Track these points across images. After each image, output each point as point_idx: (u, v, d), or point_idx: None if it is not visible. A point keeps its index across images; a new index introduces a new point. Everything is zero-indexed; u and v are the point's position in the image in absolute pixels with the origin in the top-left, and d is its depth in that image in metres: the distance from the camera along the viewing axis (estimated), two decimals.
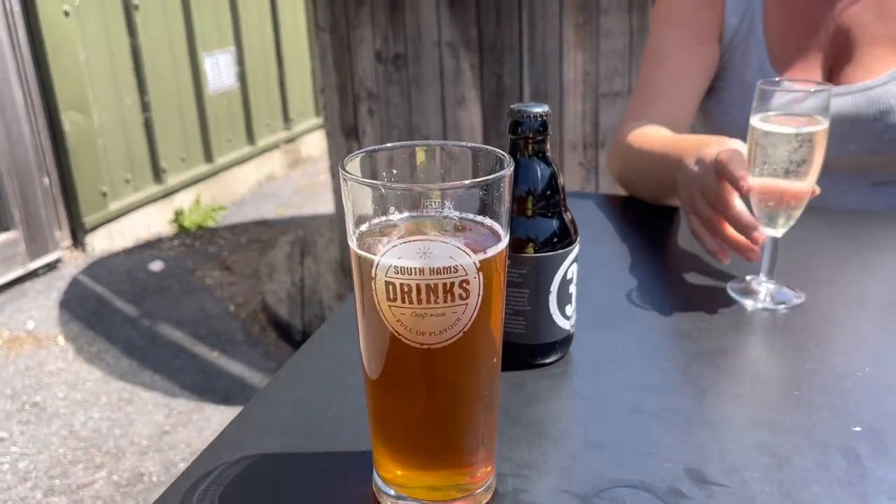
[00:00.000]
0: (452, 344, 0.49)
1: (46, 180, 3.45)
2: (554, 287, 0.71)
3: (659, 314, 0.84)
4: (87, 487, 2.10)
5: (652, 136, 1.12)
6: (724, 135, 1.21)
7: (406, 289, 0.47)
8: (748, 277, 0.90)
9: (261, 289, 3.27)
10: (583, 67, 2.46)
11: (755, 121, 0.82)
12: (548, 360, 0.74)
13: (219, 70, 4.38)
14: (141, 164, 3.93)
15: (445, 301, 0.48)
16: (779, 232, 0.86)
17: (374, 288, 0.49)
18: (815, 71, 1.16)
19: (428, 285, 0.47)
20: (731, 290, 0.89)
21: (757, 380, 0.73)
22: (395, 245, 0.47)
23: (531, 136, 0.68)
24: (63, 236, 3.58)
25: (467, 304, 0.48)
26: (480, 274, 0.48)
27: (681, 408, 0.67)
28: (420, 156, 0.53)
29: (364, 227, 0.50)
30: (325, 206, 4.20)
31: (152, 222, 3.97)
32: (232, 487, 0.58)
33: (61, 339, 2.87)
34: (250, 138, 4.73)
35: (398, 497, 0.55)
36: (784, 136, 0.79)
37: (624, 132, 1.18)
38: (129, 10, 3.73)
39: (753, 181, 0.83)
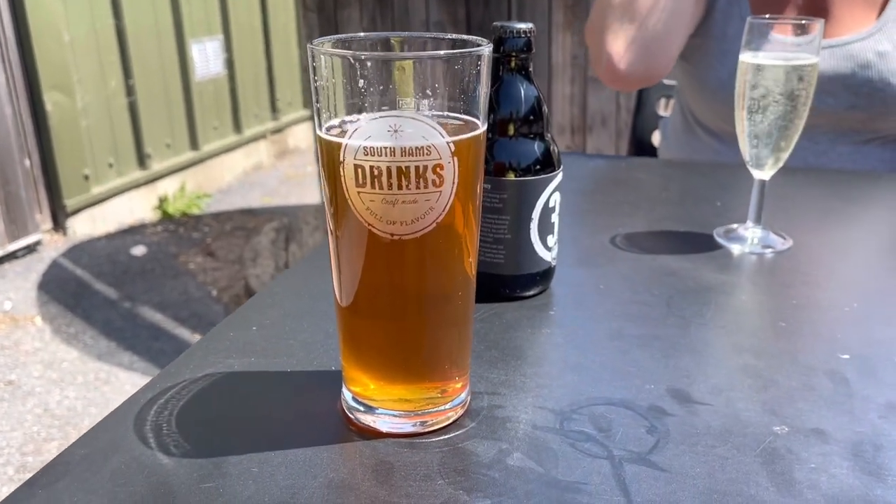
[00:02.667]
0: (425, 235, 0.47)
1: (27, 162, 3.40)
2: (535, 214, 0.68)
3: (643, 255, 0.82)
4: None
5: None
6: (705, 87, 1.19)
7: (376, 172, 0.45)
8: (735, 224, 0.88)
9: (244, 273, 3.24)
10: (571, 50, 2.45)
11: (745, 56, 0.80)
12: (528, 293, 0.72)
13: (206, 57, 4.34)
14: (125, 149, 3.87)
15: (417, 187, 0.45)
16: (766, 174, 0.84)
17: (342, 174, 0.46)
18: None
19: (399, 168, 0.45)
20: (717, 235, 0.87)
21: (742, 312, 0.71)
22: (364, 124, 0.45)
23: (514, 54, 0.66)
24: (43, 219, 3.53)
25: (441, 191, 0.46)
26: (455, 159, 0.46)
27: (664, 335, 0.65)
28: (396, 43, 0.50)
29: (332, 114, 0.47)
30: (312, 197, 4.16)
31: (135, 208, 3.92)
32: (193, 402, 0.55)
33: (39, 320, 2.82)
34: (237, 127, 4.68)
35: (367, 410, 0.53)
36: (775, 68, 0.77)
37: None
38: None
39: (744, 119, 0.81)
